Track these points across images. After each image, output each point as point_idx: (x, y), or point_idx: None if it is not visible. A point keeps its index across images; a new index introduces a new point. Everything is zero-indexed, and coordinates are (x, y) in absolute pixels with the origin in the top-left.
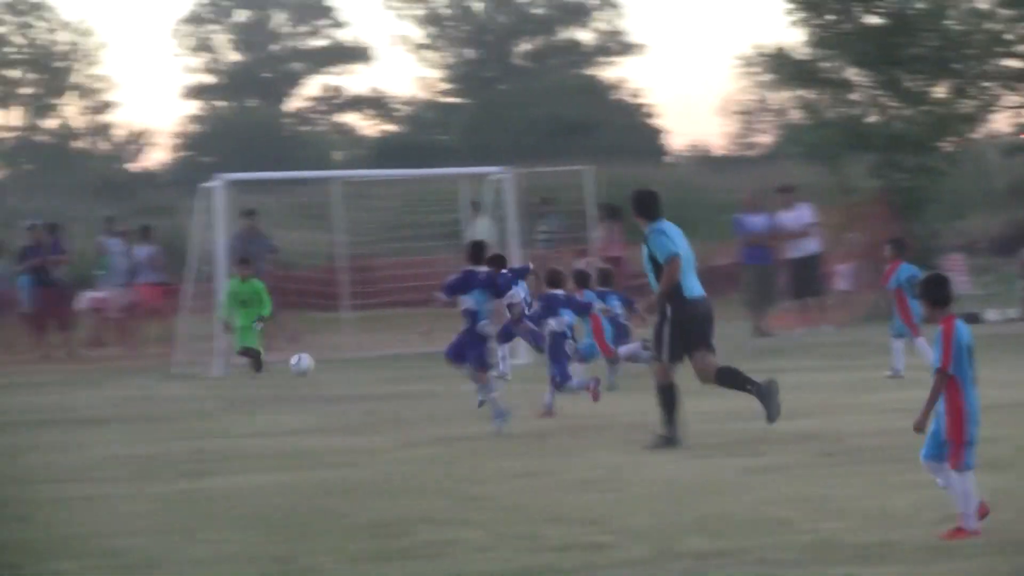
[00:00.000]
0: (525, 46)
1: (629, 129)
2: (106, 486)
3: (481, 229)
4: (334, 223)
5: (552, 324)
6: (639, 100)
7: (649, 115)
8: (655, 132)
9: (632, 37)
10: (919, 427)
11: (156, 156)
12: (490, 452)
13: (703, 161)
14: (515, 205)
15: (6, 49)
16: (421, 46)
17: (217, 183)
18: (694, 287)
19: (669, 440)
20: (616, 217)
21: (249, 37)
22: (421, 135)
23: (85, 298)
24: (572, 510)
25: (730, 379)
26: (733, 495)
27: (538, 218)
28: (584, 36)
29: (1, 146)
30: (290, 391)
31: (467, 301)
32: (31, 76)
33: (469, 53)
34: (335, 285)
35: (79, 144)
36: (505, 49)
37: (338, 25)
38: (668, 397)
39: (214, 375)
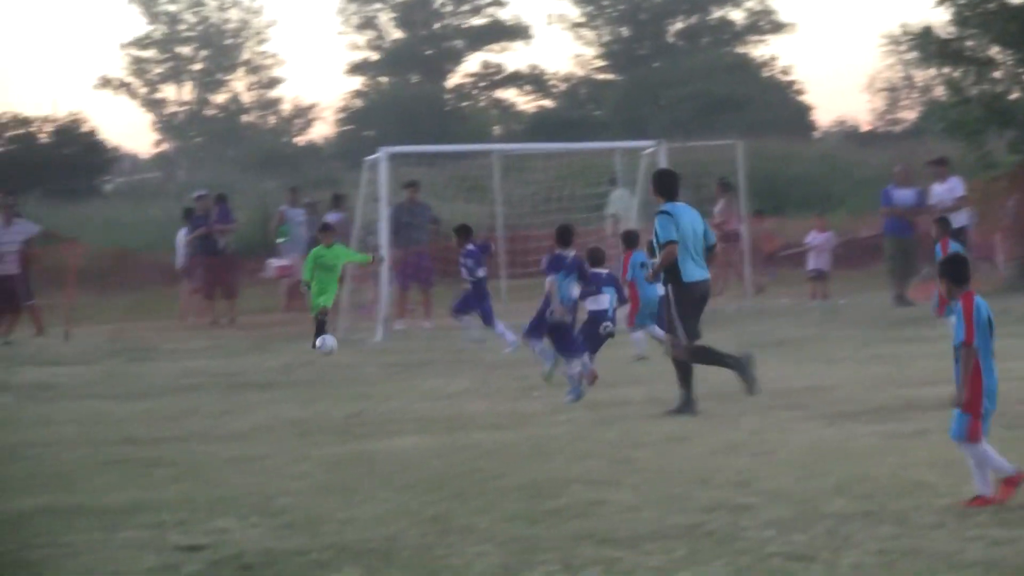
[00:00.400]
0: (678, 24)
1: (778, 105)
2: (269, 447)
3: (618, 202)
4: (492, 195)
5: (591, 304)
6: (788, 77)
7: (798, 92)
8: (803, 108)
9: (782, 16)
10: (958, 403)
11: (320, 130)
12: (639, 416)
13: (849, 137)
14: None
15: (179, 27)
16: (577, 24)
17: (380, 156)
18: (692, 271)
19: (687, 406)
20: (733, 192)
21: (411, 15)
22: (576, 110)
23: (271, 266)
24: (718, 473)
25: (706, 357)
26: (875, 459)
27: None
28: (735, 15)
29: (173, 120)
30: (447, 357)
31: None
32: (202, 53)
33: (624, 31)
34: (492, 254)
35: (247, 118)
36: (659, 27)
37: (498, 4)
38: (685, 369)
39: (375, 341)
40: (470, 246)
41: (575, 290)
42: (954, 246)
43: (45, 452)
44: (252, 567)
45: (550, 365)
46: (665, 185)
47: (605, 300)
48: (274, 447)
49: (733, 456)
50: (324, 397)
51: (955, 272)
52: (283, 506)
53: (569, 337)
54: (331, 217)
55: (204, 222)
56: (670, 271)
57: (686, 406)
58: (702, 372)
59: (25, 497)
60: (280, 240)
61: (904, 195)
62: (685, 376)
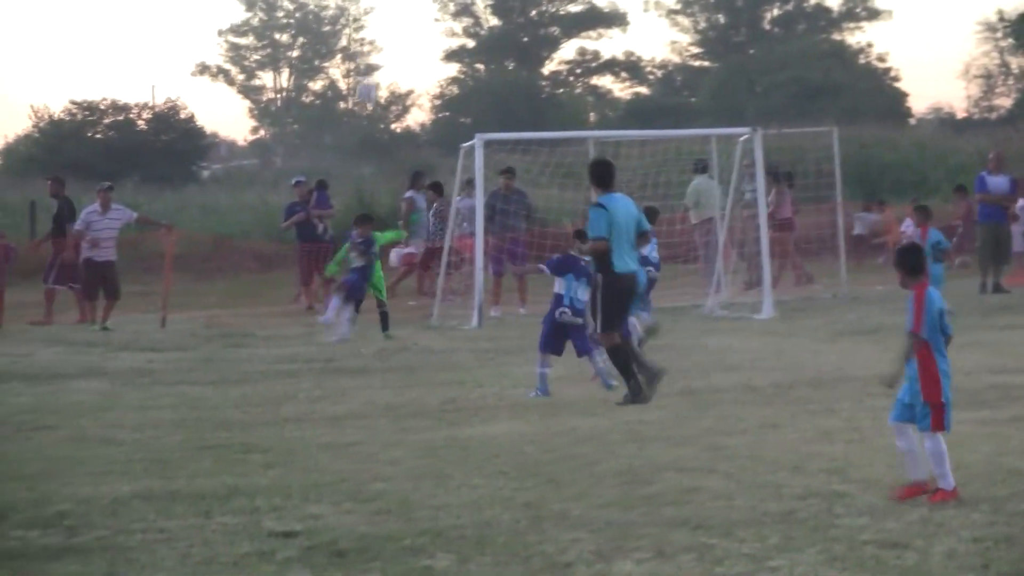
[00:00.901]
0: (774, 11)
1: (873, 92)
2: (363, 433)
3: (702, 188)
4: (587, 182)
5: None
6: (883, 64)
7: (893, 79)
8: (898, 95)
9: (877, 3)
10: (889, 383)
11: (417, 117)
12: (733, 403)
13: (944, 124)
14: (762, 165)
15: (276, 14)
16: (673, 11)
17: (475, 143)
18: (623, 262)
19: (635, 396)
20: (787, 181)
21: (508, 2)
22: (671, 97)
23: (397, 255)
24: (812, 460)
25: (619, 360)
26: (970, 446)
27: (746, 179)
28: (831, 2)
29: (270, 107)
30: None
31: (559, 284)
32: (299, 40)
33: (720, 18)
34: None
35: (344, 105)
36: (754, 14)
37: None
38: (620, 357)
39: (470, 328)
40: None
41: (585, 293)
42: None
43: (141, 437)
44: (346, 553)
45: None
46: (600, 176)
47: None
48: (368, 433)
49: (827, 443)
50: (419, 383)
51: (909, 263)
52: (377, 492)
53: (583, 337)
54: (463, 204)
55: (302, 208)
56: (601, 262)
57: (635, 395)
58: (799, 360)
59: (122, 482)
60: (409, 227)
61: (998, 182)
62: (624, 365)
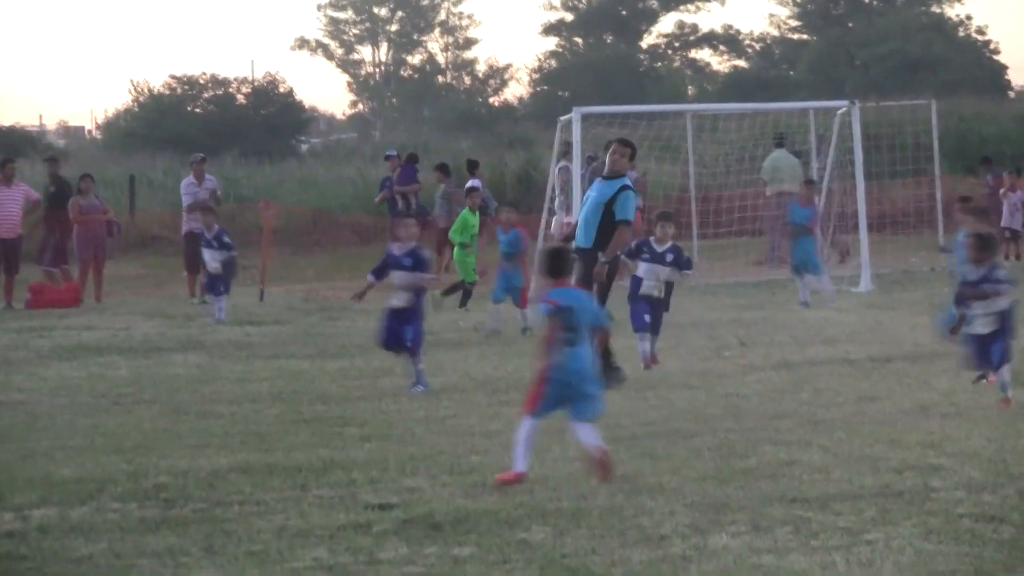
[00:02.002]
0: None
1: (972, 65)
2: (460, 407)
3: (778, 162)
4: (685, 155)
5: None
6: (983, 37)
7: (992, 52)
8: (998, 68)
9: None
10: None
11: (515, 91)
12: (830, 376)
13: None
14: (859, 139)
15: None
16: None
17: (573, 116)
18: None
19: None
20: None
21: None
22: (770, 70)
23: (558, 222)
24: (909, 434)
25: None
26: None
27: (816, 155)
28: None
29: (368, 81)
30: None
31: (640, 268)
32: (398, 14)
33: None
34: (685, 214)
35: (442, 79)
36: None
37: None
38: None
39: None
40: None
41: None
42: None
43: (239, 410)
44: (442, 526)
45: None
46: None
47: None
48: (465, 406)
49: (924, 417)
50: (515, 356)
51: (550, 265)
52: (473, 465)
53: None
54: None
55: (389, 183)
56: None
57: (608, 376)
58: (896, 333)
59: (219, 455)
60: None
61: None
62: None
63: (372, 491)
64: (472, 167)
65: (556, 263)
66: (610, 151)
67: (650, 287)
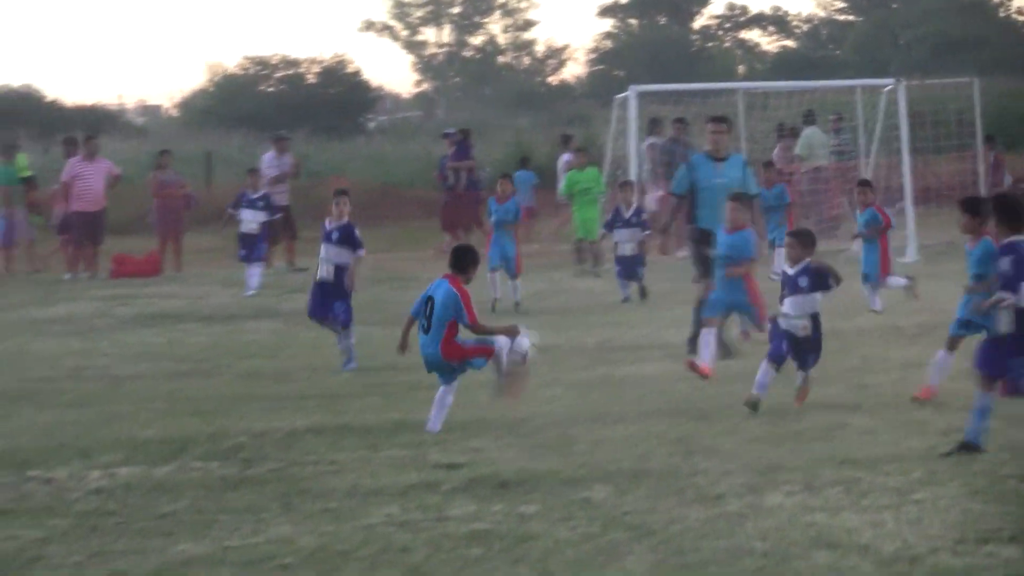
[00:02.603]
0: None
1: (1013, 45)
2: None
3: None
4: (736, 131)
5: None
6: (1022, 17)
7: None
8: None
9: None
10: None
11: (572, 70)
12: (878, 343)
13: None
14: (905, 116)
15: None
16: None
17: (629, 94)
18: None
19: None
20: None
21: None
22: (817, 50)
23: (651, 199)
24: (954, 397)
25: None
26: None
27: (834, 133)
28: None
29: (432, 61)
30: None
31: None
32: None
33: None
34: None
35: (502, 59)
36: None
37: None
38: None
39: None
40: None
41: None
42: None
43: (314, 375)
44: (508, 484)
45: None
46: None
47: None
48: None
49: (968, 382)
50: (575, 324)
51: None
52: (536, 428)
53: None
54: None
55: (444, 160)
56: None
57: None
58: (942, 302)
59: (294, 417)
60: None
61: None
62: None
63: (440, 451)
64: (565, 140)
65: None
66: (711, 131)
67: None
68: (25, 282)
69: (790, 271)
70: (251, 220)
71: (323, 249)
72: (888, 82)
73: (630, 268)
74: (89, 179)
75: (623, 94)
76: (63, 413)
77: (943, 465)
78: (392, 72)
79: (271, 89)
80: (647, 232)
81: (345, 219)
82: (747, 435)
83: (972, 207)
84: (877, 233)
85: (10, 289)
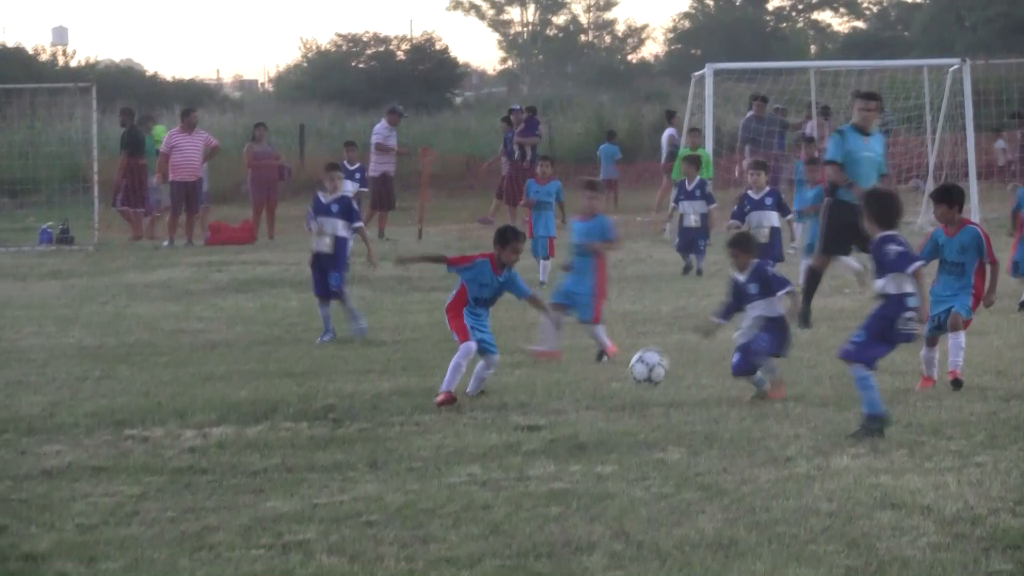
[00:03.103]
0: None
1: None
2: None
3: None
4: (808, 108)
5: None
6: None
7: None
8: None
9: None
10: None
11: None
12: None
13: None
14: (970, 94)
15: None
16: None
17: (706, 71)
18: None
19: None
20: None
21: None
22: (886, 31)
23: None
24: (1015, 365)
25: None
26: None
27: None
28: None
29: (517, 39)
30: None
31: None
32: None
33: None
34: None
35: (584, 38)
36: None
37: None
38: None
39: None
40: None
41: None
42: None
43: (400, 339)
44: (585, 446)
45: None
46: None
47: None
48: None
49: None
50: (652, 292)
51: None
52: (614, 391)
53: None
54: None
55: (511, 135)
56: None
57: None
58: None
59: (382, 379)
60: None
61: None
62: (808, 289)
63: (521, 414)
64: (669, 116)
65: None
66: (861, 107)
67: (760, 233)
68: (126, 248)
69: (741, 279)
70: (347, 191)
71: (321, 222)
72: (954, 62)
73: (691, 240)
74: (187, 150)
75: (700, 71)
76: (160, 374)
77: (1004, 430)
78: (478, 50)
79: (362, 65)
80: (712, 205)
81: (340, 192)
82: (816, 399)
83: (945, 197)
84: (815, 211)
85: (111, 256)
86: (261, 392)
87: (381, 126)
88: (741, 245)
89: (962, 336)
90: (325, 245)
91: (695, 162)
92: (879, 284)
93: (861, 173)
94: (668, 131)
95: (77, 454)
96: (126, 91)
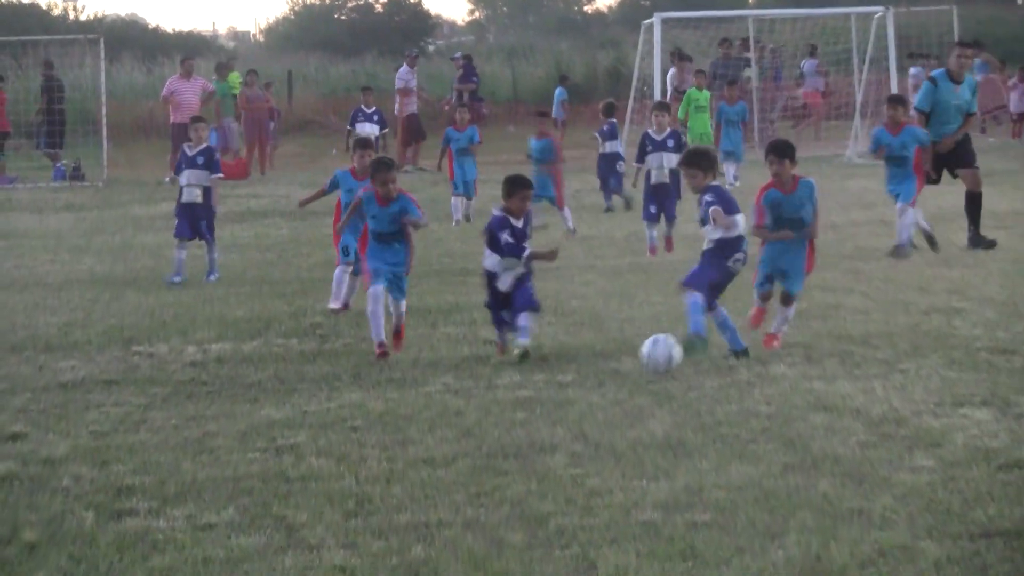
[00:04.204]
0: None
1: None
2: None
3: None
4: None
5: None
6: None
7: None
8: None
9: None
10: None
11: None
12: (869, 235)
13: None
14: (892, 39)
15: None
16: None
17: (655, 20)
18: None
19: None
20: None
21: None
22: None
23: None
24: (936, 281)
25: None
26: None
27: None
28: None
29: None
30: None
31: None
32: None
33: None
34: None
35: None
36: None
37: None
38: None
39: None
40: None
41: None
42: None
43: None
44: (548, 357)
45: None
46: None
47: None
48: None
49: (948, 268)
50: (608, 220)
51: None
52: (573, 308)
53: None
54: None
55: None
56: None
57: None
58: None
59: (364, 298)
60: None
61: None
62: (972, 213)
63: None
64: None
65: None
66: (958, 54)
67: (658, 175)
68: (128, 184)
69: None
70: (368, 133)
71: (188, 174)
72: (878, 9)
73: (660, 203)
74: (185, 95)
75: (649, 20)
76: (164, 296)
77: (925, 340)
78: (449, 2)
79: (343, 17)
80: None
81: (205, 144)
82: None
83: (781, 151)
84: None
85: (118, 191)
86: (255, 311)
87: (403, 70)
88: (699, 164)
89: (791, 311)
90: (195, 195)
91: (667, 109)
92: (707, 230)
93: (946, 118)
94: (672, 70)
95: (90, 369)
96: (131, 42)
